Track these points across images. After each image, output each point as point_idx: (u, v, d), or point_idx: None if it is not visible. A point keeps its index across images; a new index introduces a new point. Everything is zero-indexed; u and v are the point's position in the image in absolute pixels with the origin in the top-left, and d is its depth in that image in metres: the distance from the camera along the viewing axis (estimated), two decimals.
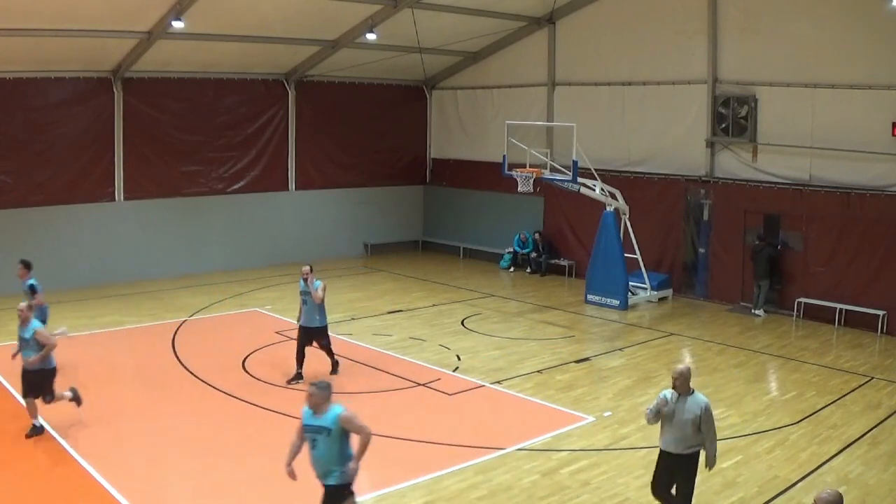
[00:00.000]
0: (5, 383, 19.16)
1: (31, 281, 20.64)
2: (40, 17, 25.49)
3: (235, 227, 34.01)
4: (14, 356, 16.56)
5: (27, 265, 21.13)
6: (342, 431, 10.86)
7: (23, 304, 16.46)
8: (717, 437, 11.86)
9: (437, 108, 39.07)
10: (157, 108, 32.20)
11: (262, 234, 34.61)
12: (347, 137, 36.75)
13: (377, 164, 37.76)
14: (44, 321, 19.07)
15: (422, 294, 29.25)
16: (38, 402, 16.17)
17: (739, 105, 27.16)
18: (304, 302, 19.38)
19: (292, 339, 20.80)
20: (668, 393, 11.78)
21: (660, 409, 11.63)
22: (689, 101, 28.52)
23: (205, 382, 19.39)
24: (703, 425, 11.47)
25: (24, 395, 16.15)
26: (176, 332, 24.09)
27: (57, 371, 16.44)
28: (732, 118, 27.36)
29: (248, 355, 21.35)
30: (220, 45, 30.10)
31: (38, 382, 16.13)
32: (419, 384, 19.22)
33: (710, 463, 11.73)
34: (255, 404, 17.68)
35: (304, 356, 19.35)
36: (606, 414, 17.19)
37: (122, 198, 31.73)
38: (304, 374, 19.25)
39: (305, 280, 19.27)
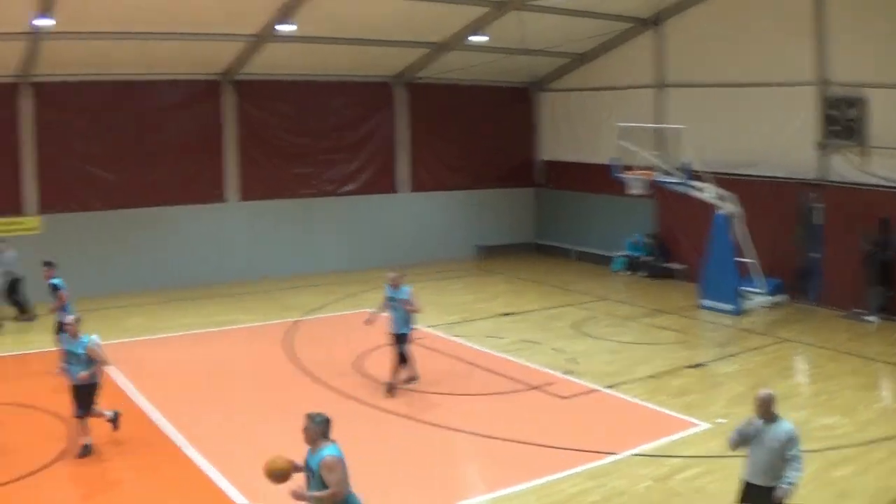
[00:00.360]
0: (128, 383, 19.86)
1: (55, 280, 21.34)
2: (150, 19, 26.29)
3: (347, 228, 34.71)
4: (60, 372, 16.43)
5: (51, 265, 21.83)
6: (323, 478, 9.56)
7: (71, 318, 16.45)
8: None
9: (545, 110, 39.12)
10: (267, 110, 33.02)
11: (373, 235, 35.22)
12: (456, 139, 37.19)
13: (486, 166, 37.95)
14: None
15: (534, 297, 29.41)
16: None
17: (849, 107, 26.90)
18: (394, 308, 19.00)
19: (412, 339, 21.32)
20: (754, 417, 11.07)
21: (743, 431, 11.03)
22: (799, 103, 28.08)
23: (317, 381, 19.91)
24: (787, 453, 10.70)
25: (78, 415, 15.73)
26: (289, 332, 24.71)
27: (98, 387, 16.06)
28: (842, 120, 27.13)
29: (361, 355, 21.73)
30: (328, 47, 30.69)
31: (90, 397, 15.81)
32: (533, 387, 19.36)
33: (778, 495, 10.65)
34: (367, 404, 18.07)
35: (409, 358, 19.39)
36: (720, 420, 17.06)
37: (234, 198, 32.55)
38: (418, 373, 19.56)
39: (394, 286, 19.02)
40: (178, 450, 15.89)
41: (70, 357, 15.79)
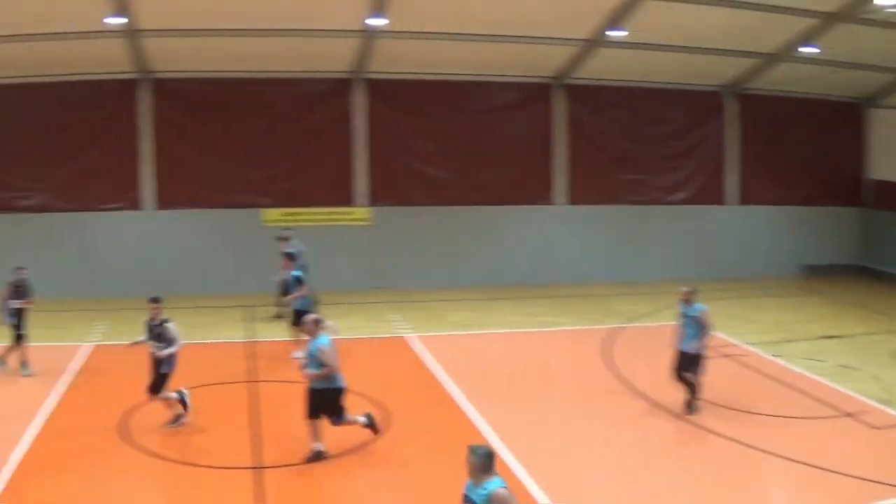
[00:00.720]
0: (446, 376, 20.90)
1: (296, 272, 23.13)
2: (482, 21, 27.82)
3: (672, 237, 35.13)
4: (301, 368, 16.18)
5: (291, 257, 23.89)
6: None
7: (309, 317, 16.32)
8: None
9: (875, 127, 37.91)
10: (597, 115, 33.93)
11: (698, 245, 35.47)
12: (784, 153, 36.61)
13: (812, 182, 37.26)
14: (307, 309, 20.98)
15: (856, 321, 28.63)
16: (326, 423, 15.83)
17: None
18: (685, 325, 18.50)
19: (730, 355, 21.24)
20: None
21: None
22: None
23: (632, 391, 20.21)
24: None
25: (307, 416, 15.67)
26: (609, 338, 25.20)
27: (344, 392, 15.87)
28: None
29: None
30: (657, 54, 31.27)
31: (322, 403, 15.57)
32: (846, 414, 18.90)
33: None
34: (678, 417, 18.27)
35: (682, 380, 18.69)
36: None
37: (561, 201, 33.34)
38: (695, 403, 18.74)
39: (686, 302, 18.58)
40: (479, 434, 16.78)
41: (309, 358, 15.67)
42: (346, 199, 32.52)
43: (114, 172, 31.99)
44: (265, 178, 32.18)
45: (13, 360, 21.63)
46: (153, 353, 17.05)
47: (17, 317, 21.54)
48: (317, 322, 15.93)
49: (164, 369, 17.04)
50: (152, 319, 17.16)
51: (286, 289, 25.87)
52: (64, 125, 31.50)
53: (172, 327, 17.11)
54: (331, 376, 15.55)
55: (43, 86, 31.14)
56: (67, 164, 31.61)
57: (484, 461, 9.08)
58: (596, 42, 29.75)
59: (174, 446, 16.49)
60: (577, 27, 28.91)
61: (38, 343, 22.69)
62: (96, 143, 31.74)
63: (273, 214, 31.86)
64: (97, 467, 15.50)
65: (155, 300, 17.27)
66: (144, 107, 31.89)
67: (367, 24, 27.42)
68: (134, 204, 32.14)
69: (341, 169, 32.49)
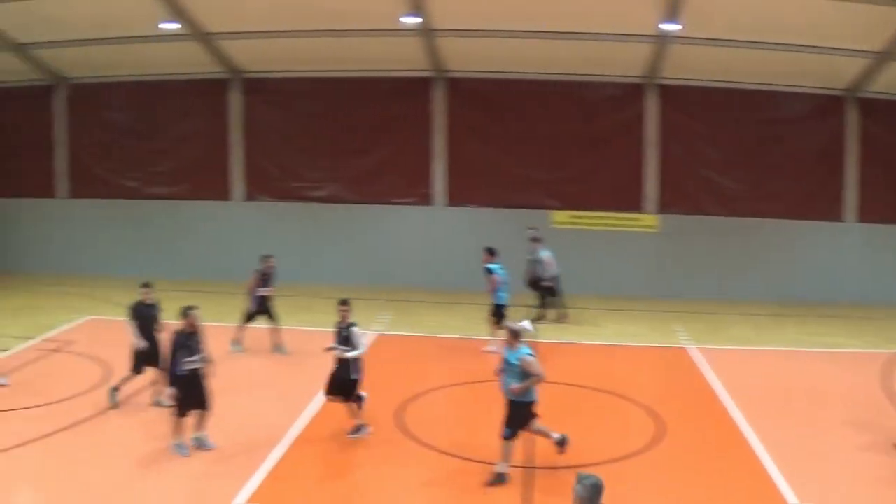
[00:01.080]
0: (721, 388, 20.83)
1: (489, 265, 23.87)
2: (776, 31, 27.50)
3: None
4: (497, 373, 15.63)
5: (491, 252, 24.14)
6: None
7: (513, 326, 15.34)
8: None
9: None
10: (891, 130, 32.37)
11: None
12: None
13: None
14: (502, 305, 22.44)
15: None
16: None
17: None
18: None
19: None
20: None
21: None
22: None
23: None
24: None
25: (504, 434, 14.99)
26: (891, 362, 24.12)
27: (534, 405, 15.14)
28: None
29: None
30: None
31: (520, 416, 14.94)
32: None
33: None
34: None
35: None
36: None
37: (850, 219, 32.59)
38: None
39: None
40: (751, 452, 16.63)
41: (506, 367, 15.06)
42: (633, 206, 32.72)
43: (406, 168, 33.46)
44: (554, 179, 32.82)
45: (275, 341, 23.78)
46: (339, 355, 17.03)
47: (263, 304, 23.37)
48: (515, 333, 15.13)
49: (353, 375, 16.97)
50: (341, 322, 17.25)
51: (550, 289, 27.21)
52: (358, 120, 33.18)
53: (358, 332, 17.12)
54: (530, 389, 14.91)
55: (338, 81, 32.96)
56: (360, 157, 33.45)
57: (591, 492, 8.71)
58: (890, 55, 28.78)
59: (448, 439, 17.19)
60: (870, 39, 28.06)
61: (324, 329, 23.86)
62: (390, 138, 33.35)
63: (562, 216, 32.40)
64: (370, 453, 16.55)
65: (344, 302, 17.42)
66: (438, 105, 33.02)
67: (660, 29, 27.48)
68: (425, 199, 33.39)
69: (630, 174, 32.72)
